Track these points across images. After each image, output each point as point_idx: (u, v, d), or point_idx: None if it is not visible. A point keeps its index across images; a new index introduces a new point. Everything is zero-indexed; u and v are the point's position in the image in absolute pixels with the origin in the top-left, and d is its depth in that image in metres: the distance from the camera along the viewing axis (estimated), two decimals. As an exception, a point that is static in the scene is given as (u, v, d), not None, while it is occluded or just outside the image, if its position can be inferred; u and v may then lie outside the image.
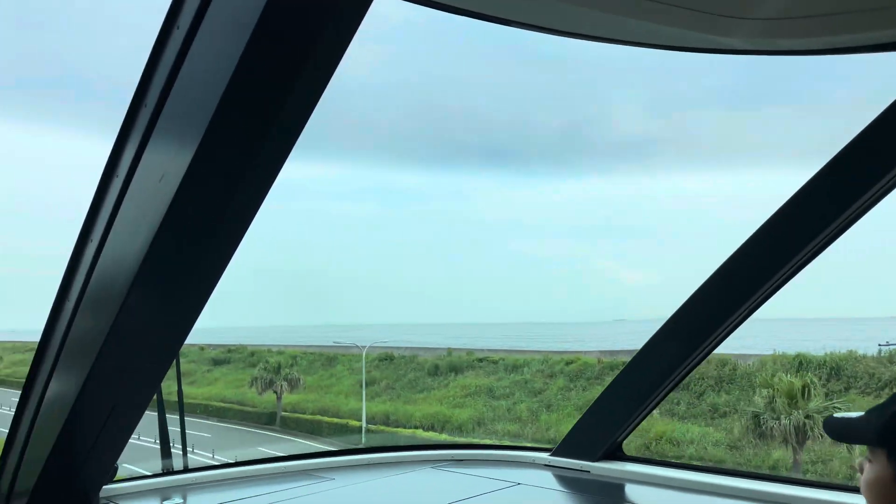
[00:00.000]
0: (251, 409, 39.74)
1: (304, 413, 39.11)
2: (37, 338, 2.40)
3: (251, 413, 39.23)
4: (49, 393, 2.38)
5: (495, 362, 41.11)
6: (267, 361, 39.08)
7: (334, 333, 63.68)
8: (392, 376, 42.49)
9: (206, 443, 31.98)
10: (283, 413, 38.23)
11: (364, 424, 34.32)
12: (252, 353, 52.60)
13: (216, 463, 3.73)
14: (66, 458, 2.45)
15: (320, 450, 4.60)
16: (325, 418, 36.76)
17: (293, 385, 38.20)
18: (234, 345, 54.61)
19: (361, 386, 38.58)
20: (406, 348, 45.33)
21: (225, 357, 53.06)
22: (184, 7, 1.69)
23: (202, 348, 53.96)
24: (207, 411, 40.81)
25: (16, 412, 2.57)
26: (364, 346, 39.22)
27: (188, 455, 3.56)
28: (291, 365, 39.09)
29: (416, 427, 35.20)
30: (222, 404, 41.70)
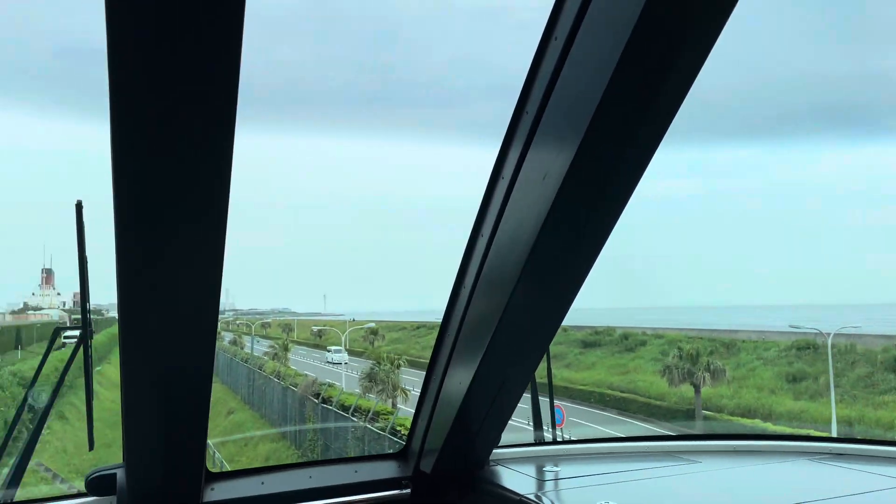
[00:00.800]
0: (658, 402, 32.48)
1: (721, 412, 30.90)
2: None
3: (660, 409, 31.93)
4: (450, 368, 2.63)
5: None
6: (680, 348, 31.37)
7: (677, 316, 54.46)
8: (828, 371, 32.11)
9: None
10: (705, 412, 30.28)
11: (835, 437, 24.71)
12: (625, 336, 45.98)
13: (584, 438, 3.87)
14: (466, 425, 2.70)
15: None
16: (769, 425, 27.81)
17: (716, 377, 30.05)
18: (600, 326, 48.48)
19: (822, 382, 28.81)
20: (820, 333, 34.29)
21: (594, 339, 47.16)
22: (560, 19, 1.76)
23: (565, 329, 48.65)
24: (604, 401, 34.67)
25: (424, 383, 2.85)
26: (829, 333, 29.29)
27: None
28: (711, 352, 30.86)
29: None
30: (617, 393, 35.22)
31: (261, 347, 44.47)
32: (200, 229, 1.76)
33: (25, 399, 3.05)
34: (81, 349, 2.70)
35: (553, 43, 1.78)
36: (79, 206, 2.41)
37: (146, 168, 1.63)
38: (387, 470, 2.97)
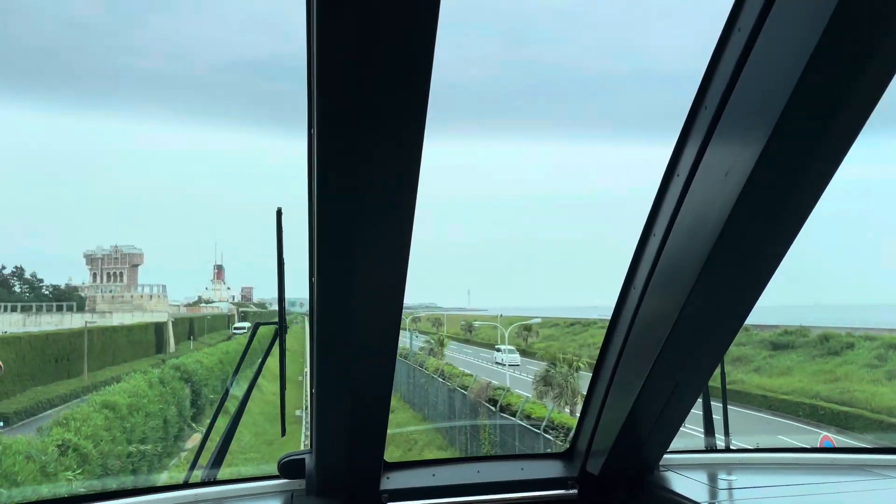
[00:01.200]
0: (892, 419, 25.93)
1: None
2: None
3: (898, 427, 25.38)
4: (619, 369, 2.51)
5: None
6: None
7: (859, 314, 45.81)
8: None
9: None
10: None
11: None
12: (826, 338, 38.69)
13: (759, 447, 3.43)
14: (636, 428, 2.58)
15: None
16: None
17: None
18: (790, 326, 41.38)
19: None
20: None
21: (786, 341, 40.24)
22: (743, 9, 1.69)
23: (747, 329, 41.93)
24: (817, 415, 28.53)
25: (591, 382, 2.75)
26: None
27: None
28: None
29: None
30: (833, 406, 28.95)
31: (416, 343, 42.23)
32: (390, 233, 1.83)
33: (228, 389, 3.42)
34: (278, 341, 2.95)
35: (736, 34, 1.71)
36: (279, 213, 2.58)
37: (345, 176, 1.72)
38: (552, 469, 2.93)
